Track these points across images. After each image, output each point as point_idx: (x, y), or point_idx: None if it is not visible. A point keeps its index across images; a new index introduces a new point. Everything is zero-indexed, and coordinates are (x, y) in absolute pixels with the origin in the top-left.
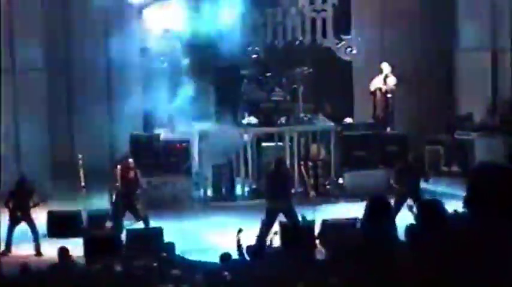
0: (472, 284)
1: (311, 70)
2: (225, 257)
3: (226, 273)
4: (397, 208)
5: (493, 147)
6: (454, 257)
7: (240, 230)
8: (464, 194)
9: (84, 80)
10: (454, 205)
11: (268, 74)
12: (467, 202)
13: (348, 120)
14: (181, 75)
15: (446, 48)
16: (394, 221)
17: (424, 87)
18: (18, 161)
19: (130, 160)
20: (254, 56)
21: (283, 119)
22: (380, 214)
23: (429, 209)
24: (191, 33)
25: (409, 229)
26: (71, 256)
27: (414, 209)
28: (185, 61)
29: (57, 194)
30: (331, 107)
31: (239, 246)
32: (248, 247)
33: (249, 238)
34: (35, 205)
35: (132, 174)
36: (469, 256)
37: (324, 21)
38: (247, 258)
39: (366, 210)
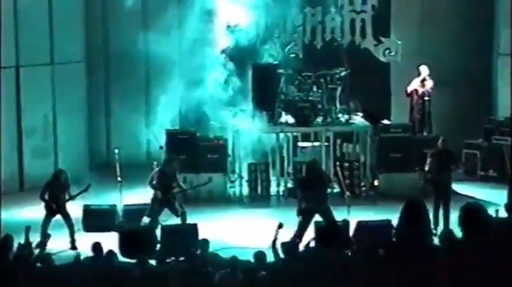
0: None
1: (349, 71)
2: (259, 255)
3: (263, 272)
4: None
5: None
6: (495, 262)
7: (280, 225)
8: (501, 198)
9: (122, 73)
10: (491, 210)
11: (306, 74)
12: (509, 209)
13: (386, 121)
14: (220, 71)
15: (485, 52)
16: (429, 225)
17: (462, 90)
18: (56, 154)
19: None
20: (292, 55)
21: (319, 119)
22: (416, 217)
23: (471, 214)
24: (231, 30)
25: (446, 234)
26: (112, 250)
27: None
28: (225, 58)
29: (93, 187)
30: (360, 105)
31: (274, 241)
32: (283, 244)
33: (284, 236)
34: (70, 198)
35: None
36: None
37: (363, 22)
38: (281, 255)
39: (401, 213)
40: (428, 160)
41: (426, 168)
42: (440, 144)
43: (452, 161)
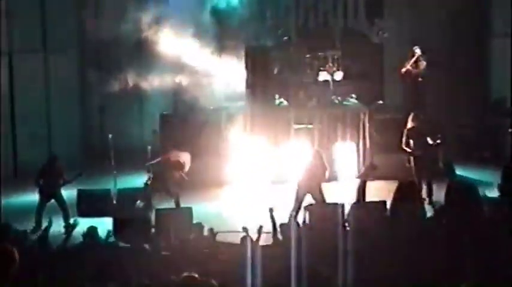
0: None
1: (342, 53)
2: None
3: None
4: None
5: None
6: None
7: (271, 209)
8: (494, 179)
9: (115, 59)
10: (484, 190)
11: (300, 56)
12: (501, 190)
13: (379, 102)
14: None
15: (479, 32)
16: (422, 205)
17: (455, 71)
18: (49, 140)
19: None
20: (285, 38)
21: (314, 101)
22: (408, 198)
23: (463, 192)
24: (224, 12)
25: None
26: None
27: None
28: (218, 41)
29: (87, 172)
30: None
31: (274, 224)
32: (281, 226)
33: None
34: (65, 183)
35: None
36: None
37: (356, 3)
38: (280, 237)
39: (394, 194)
40: (404, 138)
41: (403, 146)
42: (411, 120)
43: (428, 135)
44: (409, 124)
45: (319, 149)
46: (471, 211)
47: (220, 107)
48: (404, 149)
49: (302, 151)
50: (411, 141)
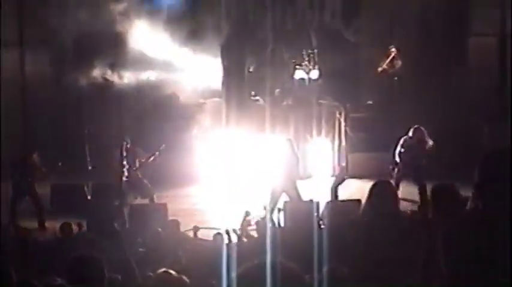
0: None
1: (317, 51)
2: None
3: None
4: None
5: (500, 132)
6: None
7: (247, 213)
8: (468, 180)
9: (91, 53)
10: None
11: (276, 55)
12: (477, 187)
13: (369, 102)
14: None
15: (457, 32)
16: (397, 206)
17: (432, 70)
18: (25, 134)
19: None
20: (262, 36)
21: (289, 100)
22: (383, 197)
23: (443, 193)
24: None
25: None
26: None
27: None
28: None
29: (63, 166)
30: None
31: (243, 226)
32: (257, 223)
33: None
34: (40, 178)
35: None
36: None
37: (333, 2)
38: (255, 235)
39: (369, 192)
40: (398, 148)
41: (396, 155)
42: (412, 133)
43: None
44: (408, 135)
45: (290, 138)
46: (447, 209)
47: (196, 103)
48: (395, 159)
49: (276, 147)
50: (402, 153)
